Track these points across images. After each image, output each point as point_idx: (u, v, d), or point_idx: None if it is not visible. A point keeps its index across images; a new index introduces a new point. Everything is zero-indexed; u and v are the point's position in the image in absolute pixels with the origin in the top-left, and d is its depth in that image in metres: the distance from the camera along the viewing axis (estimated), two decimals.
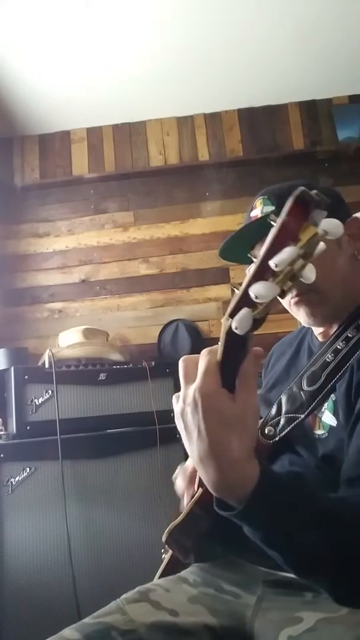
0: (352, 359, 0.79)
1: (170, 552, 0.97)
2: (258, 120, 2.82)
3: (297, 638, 0.65)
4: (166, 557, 0.98)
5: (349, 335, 0.83)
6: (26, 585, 1.70)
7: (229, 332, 0.53)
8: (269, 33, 2.29)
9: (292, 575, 0.77)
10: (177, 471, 0.97)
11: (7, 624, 1.65)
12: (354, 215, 0.92)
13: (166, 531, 0.84)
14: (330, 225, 0.48)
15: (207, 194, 2.76)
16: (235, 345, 0.54)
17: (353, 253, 0.89)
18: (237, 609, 0.78)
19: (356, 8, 2.20)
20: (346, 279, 0.87)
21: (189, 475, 0.92)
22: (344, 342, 0.83)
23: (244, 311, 0.50)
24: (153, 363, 2.05)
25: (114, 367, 2.05)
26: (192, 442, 0.57)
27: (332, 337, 0.86)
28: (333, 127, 2.76)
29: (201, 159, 2.80)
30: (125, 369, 2.05)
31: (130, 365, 2.08)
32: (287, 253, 0.46)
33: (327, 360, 0.82)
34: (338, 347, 0.83)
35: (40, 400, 1.87)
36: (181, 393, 0.58)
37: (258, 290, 0.48)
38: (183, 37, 2.28)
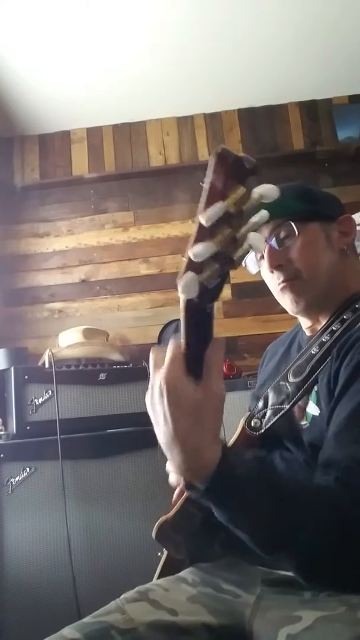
0: (335, 348, 0.82)
1: (166, 553, 0.97)
2: (258, 120, 2.82)
3: (296, 636, 0.65)
4: (163, 557, 0.98)
5: (333, 328, 0.86)
6: (26, 585, 1.70)
7: (186, 303, 0.54)
8: (269, 33, 2.29)
9: (290, 574, 0.77)
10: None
11: (7, 623, 1.65)
12: (346, 215, 0.96)
13: (156, 526, 0.84)
14: (265, 189, 0.50)
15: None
16: (196, 318, 0.56)
17: (342, 248, 0.93)
18: (236, 608, 0.78)
19: (356, 8, 2.20)
20: (333, 272, 0.90)
21: None
22: (328, 335, 0.86)
23: (188, 274, 0.51)
24: None
25: (114, 367, 2.05)
26: (159, 427, 0.61)
27: (319, 331, 0.89)
28: (333, 127, 2.76)
29: (201, 159, 2.79)
30: (125, 369, 2.05)
31: (130, 365, 2.08)
32: (213, 208, 0.48)
33: (313, 352, 0.85)
34: (323, 340, 0.86)
35: (40, 400, 1.87)
36: (150, 381, 0.61)
37: (195, 250, 0.49)
38: (183, 37, 2.28)
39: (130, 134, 2.85)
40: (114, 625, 0.73)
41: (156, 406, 0.60)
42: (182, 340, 0.58)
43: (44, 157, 2.84)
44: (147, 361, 2.17)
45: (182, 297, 0.54)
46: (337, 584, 0.67)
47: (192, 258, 0.50)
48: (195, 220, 0.50)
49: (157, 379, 0.60)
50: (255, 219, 0.51)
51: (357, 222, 2.12)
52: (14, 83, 2.46)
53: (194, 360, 0.58)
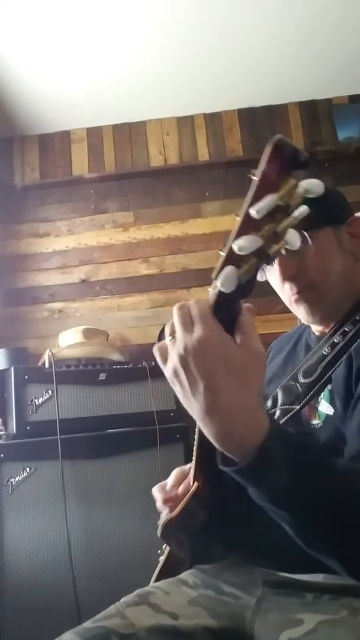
0: (350, 349, 0.80)
1: (166, 553, 0.96)
2: (258, 120, 2.82)
3: None
4: (162, 558, 0.98)
5: (346, 329, 0.84)
6: (26, 585, 1.69)
7: (219, 295, 0.52)
8: (269, 33, 2.29)
9: (292, 576, 0.77)
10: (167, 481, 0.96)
11: (7, 624, 1.65)
12: (356, 215, 0.92)
13: (161, 525, 0.84)
14: (311, 184, 0.49)
15: (207, 194, 2.76)
16: (226, 310, 0.54)
17: (353, 251, 0.89)
18: (237, 611, 0.78)
19: (356, 8, 2.20)
20: (346, 276, 0.88)
21: (176, 480, 0.92)
22: (341, 336, 0.83)
23: (229, 268, 0.50)
24: (153, 363, 2.04)
25: (114, 367, 2.05)
26: (197, 394, 0.53)
27: (330, 332, 0.87)
28: (333, 127, 2.76)
29: (201, 159, 2.79)
30: (125, 369, 2.04)
31: (130, 365, 2.08)
32: (267, 200, 0.47)
33: (324, 353, 0.83)
34: (335, 340, 0.83)
35: (40, 400, 1.87)
36: (178, 342, 0.54)
37: (240, 243, 0.48)
38: (183, 37, 2.28)
39: (130, 134, 2.85)
40: (114, 630, 0.72)
41: (193, 370, 0.53)
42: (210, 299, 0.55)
43: (44, 157, 2.84)
44: (147, 361, 2.15)
45: (215, 290, 0.52)
46: None
47: (236, 251, 0.48)
48: (241, 212, 0.49)
49: (191, 338, 0.53)
50: (296, 213, 0.50)
51: None
52: (14, 83, 2.46)
53: (225, 319, 0.54)
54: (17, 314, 2.67)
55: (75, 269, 2.73)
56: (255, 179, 0.48)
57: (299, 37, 2.34)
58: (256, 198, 0.48)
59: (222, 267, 0.51)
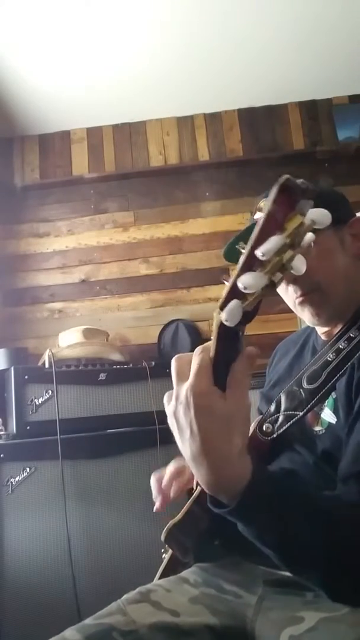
0: (353, 358, 0.79)
1: (170, 552, 0.96)
2: (258, 120, 2.82)
3: (299, 638, 0.64)
4: (166, 557, 0.98)
5: (351, 335, 0.83)
6: (26, 585, 1.70)
7: (221, 325, 0.53)
8: (269, 33, 2.29)
9: (292, 575, 0.77)
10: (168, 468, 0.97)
11: (7, 624, 1.65)
12: (358, 215, 0.92)
13: (165, 530, 0.83)
14: (318, 215, 0.49)
15: (207, 194, 2.76)
16: (228, 339, 0.55)
17: (356, 253, 0.89)
18: (238, 609, 0.78)
19: (356, 8, 2.20)
20: (349, 278, 0.87)
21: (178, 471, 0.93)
22: (346, 342, 0.82)
23: (234, 302, 0.50)
24: (153, 363, 2.05)
25: (114, 367, 2.05)
26: (184, 440, 0.57)
27: (335, 337, 0.86)
28: (333, 127, 2.76)
29: (201, 159, 2.79)
30: (125, 369, 2.04)
31: (130, 365, 2.08)
32: (272, 242, 0.46)
33: (329, 359, 0.82)
34: (340, 346, 0.82)
35: (40, 400, 1.87)
36: (174, 392, 0.58)
37: (246, 281, 0.48)
38: (183, 37, 2.28)
39: (130, 134, 2.85)
40: (115, 627, 0.72)
41: (181, 418, 0.57)
42: (212, 352, 0.56)
43: (44, 157, 2.84)
44: (147, 361, 2.16)
45: (217, 315, 0.52)
46: None
47: (241, 289, 0.48)
48: (246, 250, 0.48)
49: (182, 389, 0.57)
50: (304, 244, 0.50)
51: None
52: (14, 83, 2.46)
53: (220, 372, 0.56)
54: (17, 314, 2.67)
55: (75, 269, 2.73)
56: (261, 215, 0.48)
57: (299, 37, 2.34)
58: (261, 236, 0.47)
59: (227, 300, 0.51)
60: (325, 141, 2.77)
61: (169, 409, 0.59)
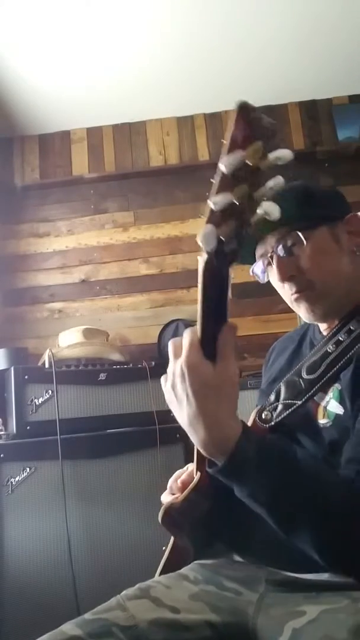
0: (355, 348, 0.81)
1: (169, 548, 0.96)
2: None
3: (301, 629, 0.64)
4: (166, 552, 0.98)
5: (351, 328, 0.84)
6: (26, 585, 1.70)
7: (205, 265, 0.58)
8: (269, 33, 2.29)
9: (296, 575, 0.77)
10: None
11: (7, 623, 1.65)
12: (353, 213, 0.92)
13: (161, 510, 0.85)
14: (281, 152, 0.53)
15: (207, 194, 2.74)
16: (213, 283, 0.59)
17: (352, 249, 0.89)
18: (239, 606, 0.78)
19: (356, 8, 2.20)
20: (346, 274, 0.88)
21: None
22: (346, 334, 0.84)
23: (207, 226, 0.54)
24: (153, 363, 2.05)
25: (114, 367, 2.05)
26: (182, 408, 0.65)
27: (335, 330, 0.87)
28: (333, 127, 2.76)
29: (201, 159, 2.79)
30: (125, 369, 2.05)
31: (130, 365, 2.08)
32: (232, 156, 0.52)
33: (329, 351, 0.84)
34: (340, 338, 0.84)
35: (40, 400, 1.87)
36: (170, 368, 0.67)
37: (214, 199, 0.53)
38: (183, 37, 2.28)
39: (130, 134, 2.85)
40: (115, 622, 0.72)
41: (178, 389, 0.65)
42: (198, 322, 0.63)
43: (44, 157, 2.84)
44: (147, 361, 2.17)
45: (201, 257, 0.57)
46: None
47: (211, 206, 0.53)
48: (217, 172, 0.53)
49: (177, 364, 0.65)
50: (271, 182, 0.54)
51: None
52: (14, 83, 2.46)
53: (209, 345, 0.63)
54: (17, 314, 2.67)
55: (75, 269, 2.73)
56: (226, 140, 0.53)
57: (299, 37, 2.34)
58: (226, 156, 0.52)
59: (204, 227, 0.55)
60: (325, 141, 2.77)
61: (167, 386, 0.67)
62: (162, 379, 0.69)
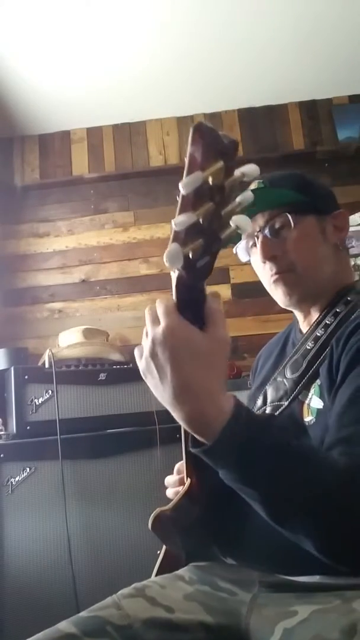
0: (331, 342, 0.82)
1: (163, 550, 0.96)
2: (258, 120, 2.82)
3: (292, 630, 0.64)
4: (160, 554, 0.98)
5: (327, 322, 0.86)
6: (26, 585, 1.70)
7: (178, 280, 0.56)
8: (269, 33, 2.29)
9: (289, 578, 0.77)
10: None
11: (7, 623, 1.65)
12: (342, 210, 0.96)
13: (152, 516, 0.84)
14: (248, 168, 0.52)
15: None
16: (190, 296, 0.58)
17: (336, 243, 0.93)
18: (233, 606, 0.78)
19: (356, 8, 2.20)
20: (326, 266, 0.91)
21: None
22: (323, 329, 0.85)
23: (172, 245, 0.53)
24: None
25: (114, 367, 2.05)
26: (165, 381, 0.57)
27: (313, 326, 0.89)
28: (333, 127, 2.76)
29: None
30: (125, 369, 2.04)
31: (130, 365, 2.08)
32: (191, 177, 0.50)
33: (308, 347, 0.85)
34: (318, 334, 0.86)
35: (40, 400, 1.87)
36: (149, 336, 0.59)
37: (176, 219, 0.51)
38: (183, 37, 2.28)
39: (130, 134, 2.85)
40: (109, 620, 0.72)
41: (160, 359, 0.57)
42: (174, 297, 0.59)
43: (44, 157, 2.84)
44: None
45: (173, 273, 0.56)
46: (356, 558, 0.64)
47: (173, 227, 0.51)
48: (179, 193, 0.52)
49: (157, 330, 0.57)
50: (239, 198, 0.52)
51: (357, 222, 2.11)
52: (14, 83, 2.46)
53: (192, 312, 0.58)
54: (17, 314, 2.67)
55: (75, 269, 2.73)
56: (185, 159, 0.52)
57: (299, 37, 2.34)
58: (186, 176, 0.51)
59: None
60: (325, 141, 2.77)
61: (143, 356, 0.59)
62: (136, 350, 0.62)
